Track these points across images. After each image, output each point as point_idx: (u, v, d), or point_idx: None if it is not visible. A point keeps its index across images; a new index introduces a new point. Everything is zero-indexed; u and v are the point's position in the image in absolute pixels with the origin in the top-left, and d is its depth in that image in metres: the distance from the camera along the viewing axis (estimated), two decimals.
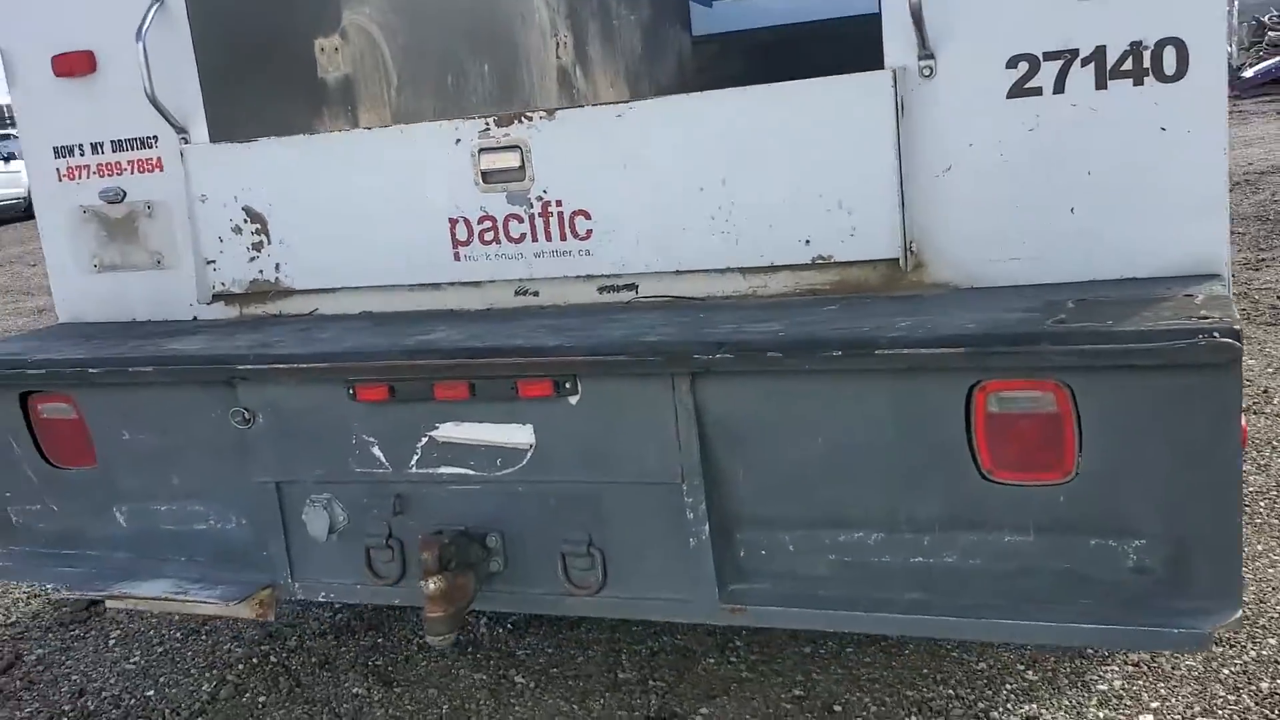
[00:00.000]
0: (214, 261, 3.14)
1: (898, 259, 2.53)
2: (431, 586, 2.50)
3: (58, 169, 3.33)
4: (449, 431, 2.60)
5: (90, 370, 2.83)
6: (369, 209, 2.95)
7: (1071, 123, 2.41)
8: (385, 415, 2.64)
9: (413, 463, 2.65)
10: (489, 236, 2.86)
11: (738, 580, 2.49)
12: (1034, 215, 2.47)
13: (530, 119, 2.76)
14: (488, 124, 2.80)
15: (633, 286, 2.82)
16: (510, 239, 2.84)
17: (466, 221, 2.87)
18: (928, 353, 2.16)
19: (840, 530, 2.38)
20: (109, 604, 2.94)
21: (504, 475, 2.58)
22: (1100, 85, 2.38)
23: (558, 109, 2.75)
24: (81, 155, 3.30)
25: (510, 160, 2.79)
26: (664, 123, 2.67)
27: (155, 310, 3.32)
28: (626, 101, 2.71)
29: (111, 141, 3.25)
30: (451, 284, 2.96)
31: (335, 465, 2.71)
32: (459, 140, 2.83)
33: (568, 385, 2.47)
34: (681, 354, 2.34)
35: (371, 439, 2.67)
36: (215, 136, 3.12)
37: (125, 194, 3.26)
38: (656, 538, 2.50)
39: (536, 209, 2.80)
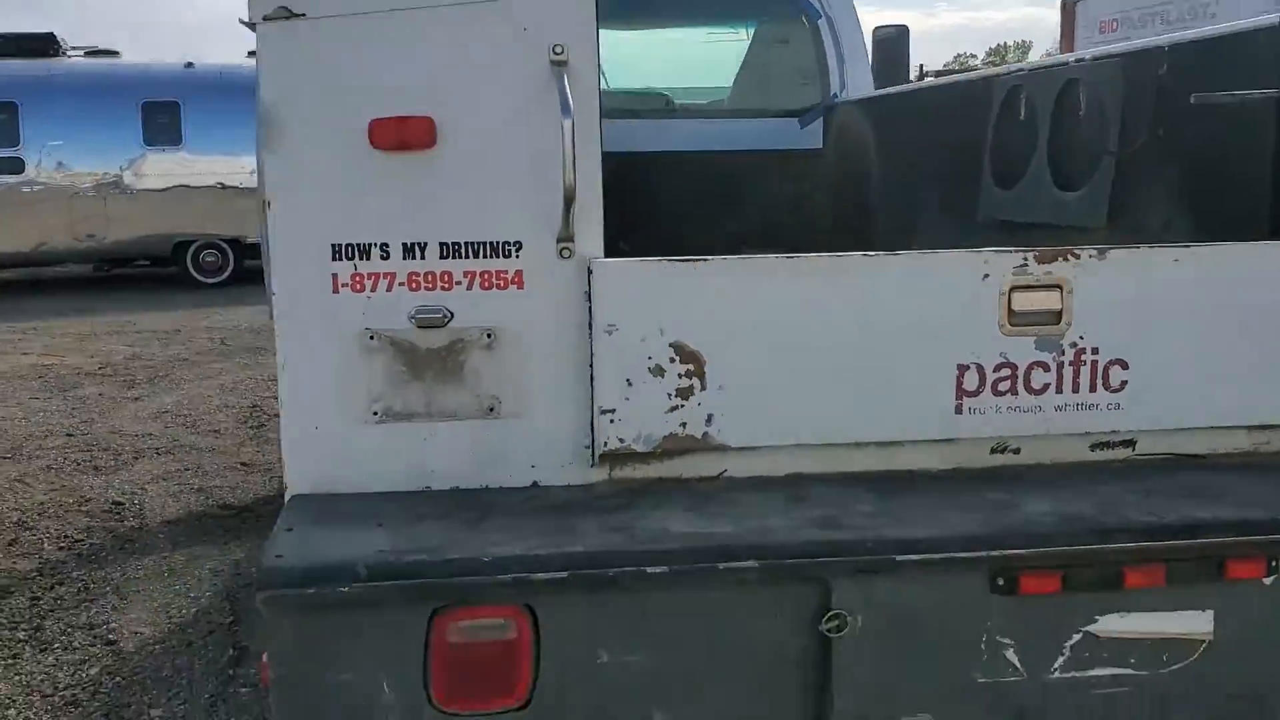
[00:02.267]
0: (613, 411, 2.36)
1: None
2: None
3: (335, 275, 2.33)
4: (1113, 625, 2.17)
5: (648, 570, 1.99)
6: (847, 349, 2.41)
7: None
8: (1037, 610, 2.15)
9: (1055, 666, 2.18)
10: (1004, 387, 2.46)
11: None
12: None
13: (1077, 257, 2.44)
14: (1025, 259, 2.43)
15: (1130, 443, 2.57)
16: (1030, 390, 2.47)
17: (980, 369, 2.45)
18: None
19: None
20: None
21: (1163, 673, 2.20)
22: None
23: (1108, 248, 2.46)
24: (384, 259, 2.33)
25: (1048, 301, 2.44)
26: (1231, 272, 2.50)
27: (468, 475, 2.40)
28: (1185, 245, 2.50)
29: (441, 244, 2.34)
30: (915, 442, 2.50)
31: (952, 677, 2.15)
32: (987, 275, 2.42)
33: (1274, 564, 2.18)
34: None
35: (1008, 640, 2.15)
36: (611, 248, 2.39)
37: (451, 316, 2.36)
38: None
39: (1068, 357, 2.46)
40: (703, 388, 2.38)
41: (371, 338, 2.34)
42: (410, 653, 2.04)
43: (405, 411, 2.37)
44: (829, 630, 2.08)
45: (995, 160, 4.42)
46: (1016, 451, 2.54)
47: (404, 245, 2.33)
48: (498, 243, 2.35)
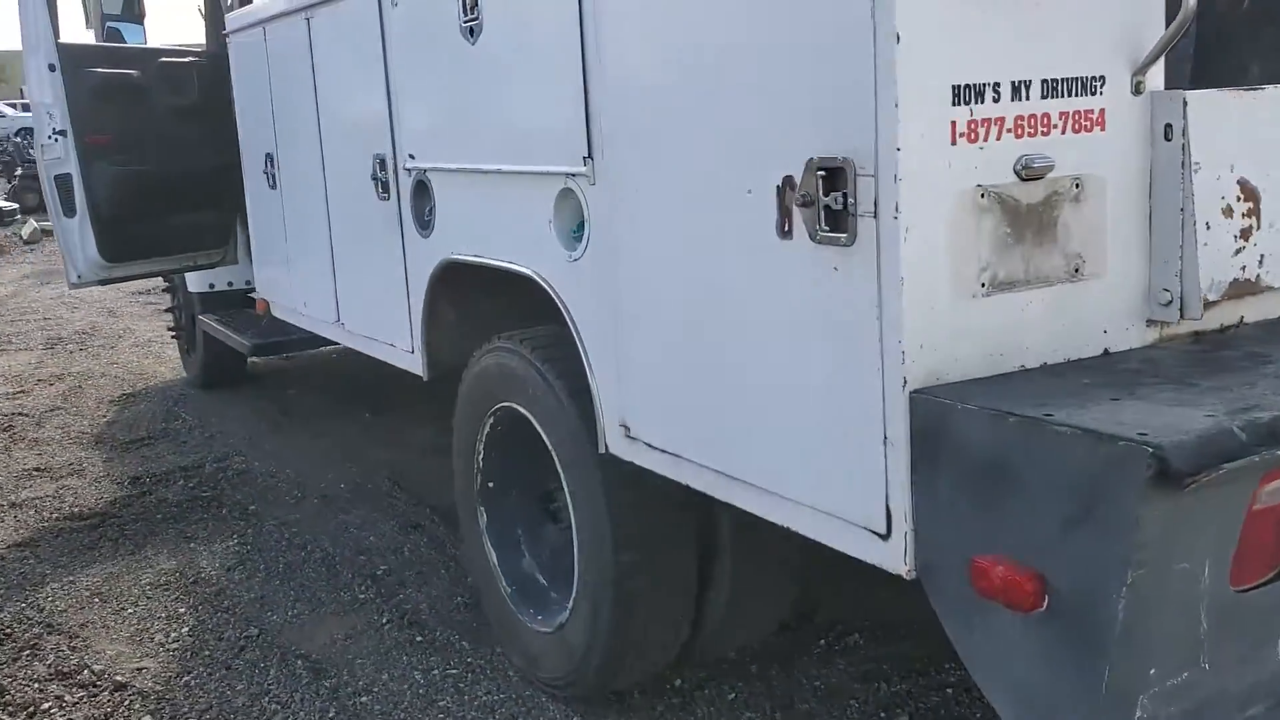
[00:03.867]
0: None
1: None
2: None
3: (954, 122, 1.94)
4: None
5: None
6: None
7: None
8: None
9: None
10: None
11: None
12: None
13: None
14: None
15: None
16: None
17: None
18: None
19: None
20: None
21: None
22: None
23: None
24: (995, 101, 1.98)
25: None
26: None
27: (1049, 348, 2.12)
28: None
29: (1043, 81, 2.03)
30: None
31: None
32: None
33: None
34: None
35: None
36: (1173, 80, 2.20)
37: (1053, 166, 2.06)
38: None
39: None
40: (1258, 227, 2.26)
41: (982, 195, 2.00)
42: (1230, 526, 1.79)
43: (1008, 280, 2.05)
44: None
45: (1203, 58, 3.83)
46: None
47: (1013, 84, 2.00)
48: (1087, 78, 2.08)
